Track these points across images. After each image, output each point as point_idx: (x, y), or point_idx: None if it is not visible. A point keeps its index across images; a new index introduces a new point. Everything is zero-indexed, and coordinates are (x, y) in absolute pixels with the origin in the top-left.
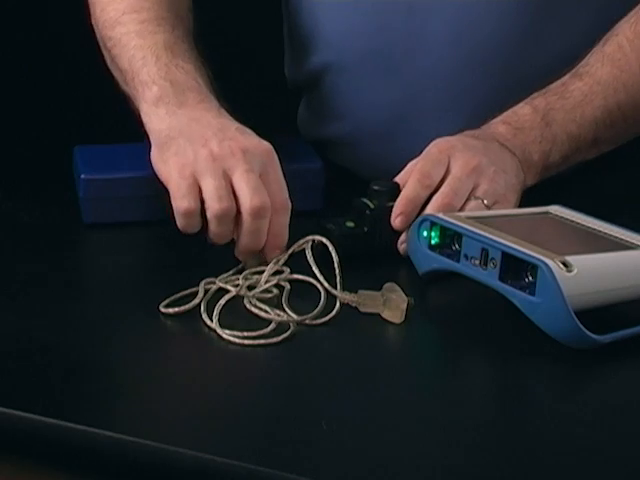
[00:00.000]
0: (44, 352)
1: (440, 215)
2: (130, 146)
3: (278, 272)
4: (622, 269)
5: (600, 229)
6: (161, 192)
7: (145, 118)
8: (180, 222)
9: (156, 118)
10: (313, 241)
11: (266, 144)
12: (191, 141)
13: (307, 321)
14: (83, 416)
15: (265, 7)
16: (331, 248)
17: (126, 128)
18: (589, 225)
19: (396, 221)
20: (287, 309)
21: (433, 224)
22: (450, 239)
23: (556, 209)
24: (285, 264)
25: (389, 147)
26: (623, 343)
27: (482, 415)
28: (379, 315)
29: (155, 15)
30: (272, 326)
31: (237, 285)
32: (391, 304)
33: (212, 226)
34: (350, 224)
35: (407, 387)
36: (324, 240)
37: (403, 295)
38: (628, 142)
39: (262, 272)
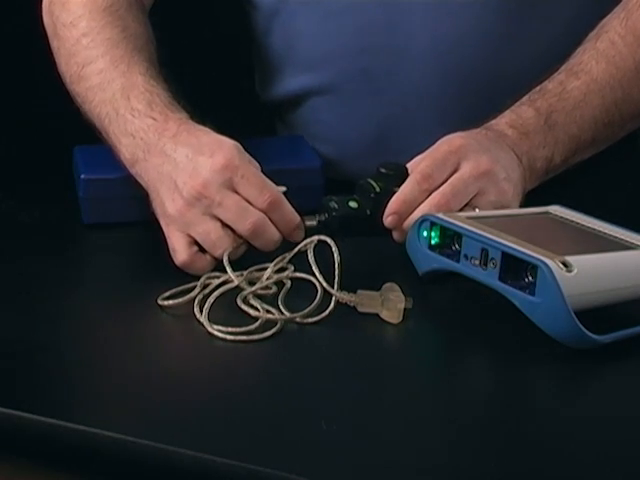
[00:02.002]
0: (44, 352)
1: (440, 215)
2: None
3: (282, 269)
4: (622, 269)
5: (600, 229)
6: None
7: (135, 177)
8: (192, 271)
9: (139, 178)
10: (318, 241)
11: (217, 160)
12: (163, 200)
13: (298, 319)
14: (83, 416)
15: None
16: (334, 248)
17: None
18: (589, 225)
19: (387, 220)
20: (281, 306)
21: (433, 224)
22: (450, 239)
23: (556, 209)
24: (290, 262)
25: (375, 164)
26: (623, 343)
27: (481, 415)
28: (373, 314)
29: (111, 59)
30: (258, 323)
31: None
32: (389, 304)
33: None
34: (353, 204)
35: (406, 387)
36: (328, 240)
37: (402, 295)
38: (628, 142)
39: (266, 269)
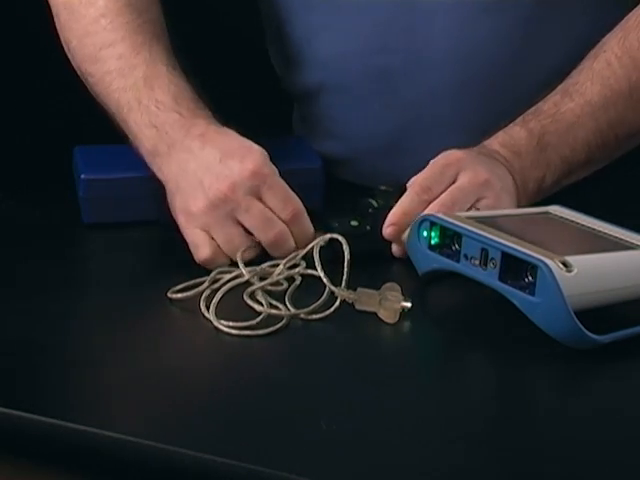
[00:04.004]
0: (44, 352)
1: (440, 215)
2: (130, 146)
3: (294, 266)
4: (622, 269)
5: (600, 229)
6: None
7: (152, 169)
8: (207, 267)
9: (158, 171)
10: (330, 239)
11: (247, 167)
12: (186, 196)
13: (302, 315)
14: (83, 416)
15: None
16: (345, 246)
17: None
18: (589, 225)
19: (386, 231)
20: (287, 302)
21: (433, 224)
22: (450, 239)
23: (556, 209)
24: (304, 259)
25: (387, 165)
26: (623, 343)
27: (482, 415)
28: (377, 315)
29: (131, 44)
30: (261, 318)
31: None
32: (387, 304)
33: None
34: (354, 223)
35: (406, 386)
36: (340, 238)
37: (400, 296)
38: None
39: (278, 265)
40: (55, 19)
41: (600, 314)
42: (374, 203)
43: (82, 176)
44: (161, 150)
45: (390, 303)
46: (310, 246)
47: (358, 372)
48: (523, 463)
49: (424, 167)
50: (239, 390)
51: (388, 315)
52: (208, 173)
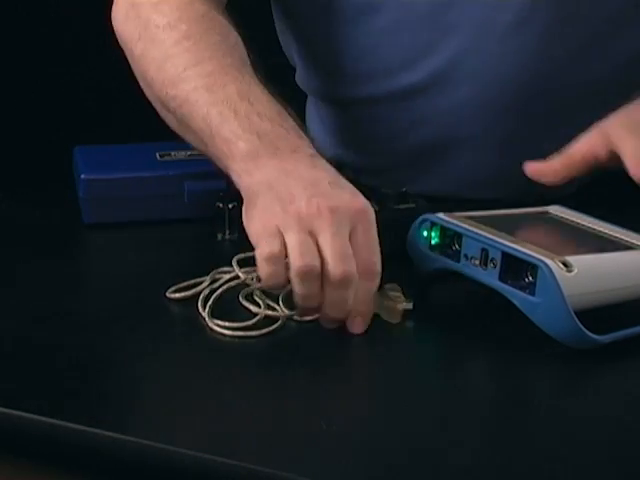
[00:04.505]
0: (44, 352)
1: (440, 215)
2: (130, 146)
3: None
4: (622, 269)
5: (600, 229)
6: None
7: (235, 176)
8: (263, 271)
9: (245, 175)
10: None
11: (360, 201)
12: (279, 198)
13: (296, 317)
14: (83, 416)
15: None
16: None
17: (126, 128)
18: (589, 225)
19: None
20: (280, 303)
21: (433, 224)
22: (450, 239)
23: (556, 209)
24: None
25: (417, 175)
26: (623, 343)
27: (482, 415)
28: (378, 314)
29: (219, 64)
30: (256, 319)
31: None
32: (389, 304)
33: (295, 286)
34: None
35: (406, 386)
36: None
37: (402, 296)
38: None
39: None
40: (129, 56)
41: (600, 314)
42: (375, 206)
43: (82, 176)
44: (262, 155)
45: (392, 304)
46: None
47: (357, 372)
48: (523, 463)
49: (443, 181)
50: (238, 390)
51: (391, 316)
52: (313, 188)
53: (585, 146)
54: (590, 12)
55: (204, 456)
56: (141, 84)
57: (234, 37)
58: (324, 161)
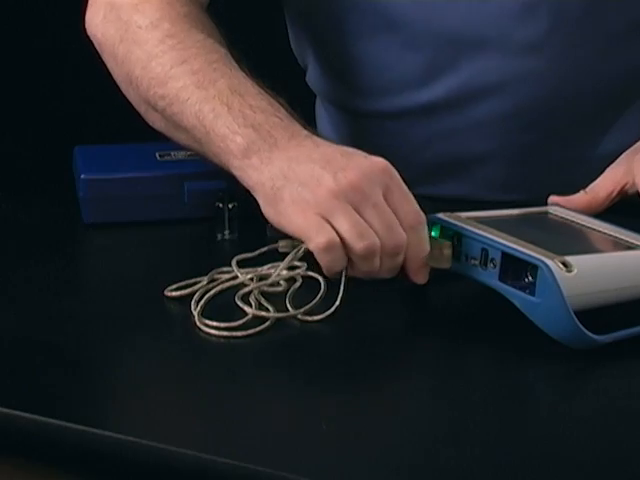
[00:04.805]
0: (44, 352)
1: (440, 215)
2: (130, 146)
3: (294, 267)
4: (622, 269)
5: (600, 229)
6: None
7: (239, 173)
8: (324, 260)
9: (252, 171)
10: None
11: (378, 160)
12: (303, 185)
13: (300, 316)
14: (83, 416)
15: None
16: None
17: (126, 128)
18: (589, 225)
19: None
20: (266, 304)
21: (433, 224)
22: (450, 239)
23: (556, 209)
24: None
25: (431, 187)
26: (623, 343)
27: (482, 415)
28: (378, 314)
29: (206, 60)
30: (245, 319)
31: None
32: (435, 252)
33: (359, 265)
34: None
35: (406, 386)
36: None
37: (445, 241)
38: (607, 133)
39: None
40: (110, 58)
41: (600, 314)
42: None
43: (82, 176)
44: (261, 147)
45: (438, 251)
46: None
47: (357, 372)
48: (523, 462)
49: (456, 189)
50: (238, 389)
51: (439, 262)
52: (330, 165)
53: (611, 185)
54: (605, 29)
55: (204, 456)
56: (123, 87)
57: (217, 35)
58: (321, 139)
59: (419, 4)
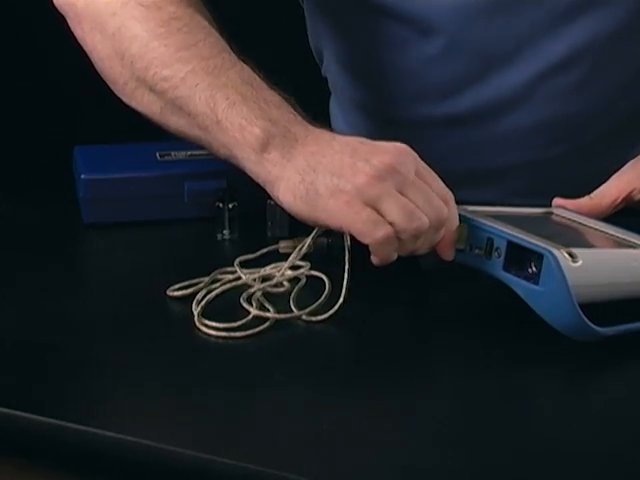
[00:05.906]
0: (44, 352)
1: None
2: (130, 146)
3: (297, 267)
4: (626, 265)
5: (602, 229)
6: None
7: (254, 167)
8: (381, 253)
9: (272, 166)
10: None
11: (399, 144)
12: (337, 176)
13: (304, 316)
14: (83, 416)
15: None
16: (347, 244)
17: (126, 128)
18: (592, 225)
19: None
20: (267, 304)
21: None
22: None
23: (560, 211)
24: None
25: (457, 195)
26: (626, 341)
27: (482, 415)
28: (378, 314)
29: (215, 47)
30: (245, 320)
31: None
32: None
33: (408, 245)
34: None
35: (406, 386)
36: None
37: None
38: (632, 145)
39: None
40: (97, 29)
41: (603, 308)
42: None
43: (82, 176)
44: (280, 142)
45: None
46: (306, 245)
47: (356, 373)
48: (523, 462)
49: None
50: (238, 390)
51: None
52: (357, 153)
53: (616, 191)
54: (637, 47)
55: (204, 456)
56: (105, 62)
57: (215, 27)
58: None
59: (457, 14)
